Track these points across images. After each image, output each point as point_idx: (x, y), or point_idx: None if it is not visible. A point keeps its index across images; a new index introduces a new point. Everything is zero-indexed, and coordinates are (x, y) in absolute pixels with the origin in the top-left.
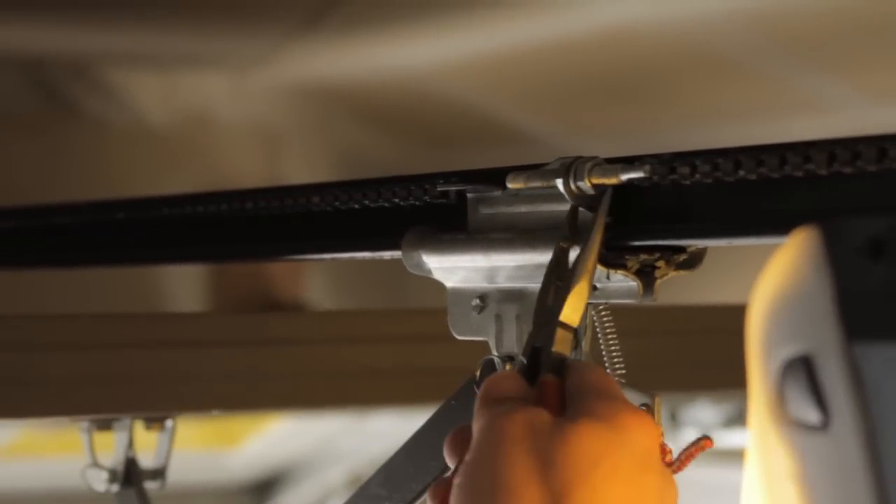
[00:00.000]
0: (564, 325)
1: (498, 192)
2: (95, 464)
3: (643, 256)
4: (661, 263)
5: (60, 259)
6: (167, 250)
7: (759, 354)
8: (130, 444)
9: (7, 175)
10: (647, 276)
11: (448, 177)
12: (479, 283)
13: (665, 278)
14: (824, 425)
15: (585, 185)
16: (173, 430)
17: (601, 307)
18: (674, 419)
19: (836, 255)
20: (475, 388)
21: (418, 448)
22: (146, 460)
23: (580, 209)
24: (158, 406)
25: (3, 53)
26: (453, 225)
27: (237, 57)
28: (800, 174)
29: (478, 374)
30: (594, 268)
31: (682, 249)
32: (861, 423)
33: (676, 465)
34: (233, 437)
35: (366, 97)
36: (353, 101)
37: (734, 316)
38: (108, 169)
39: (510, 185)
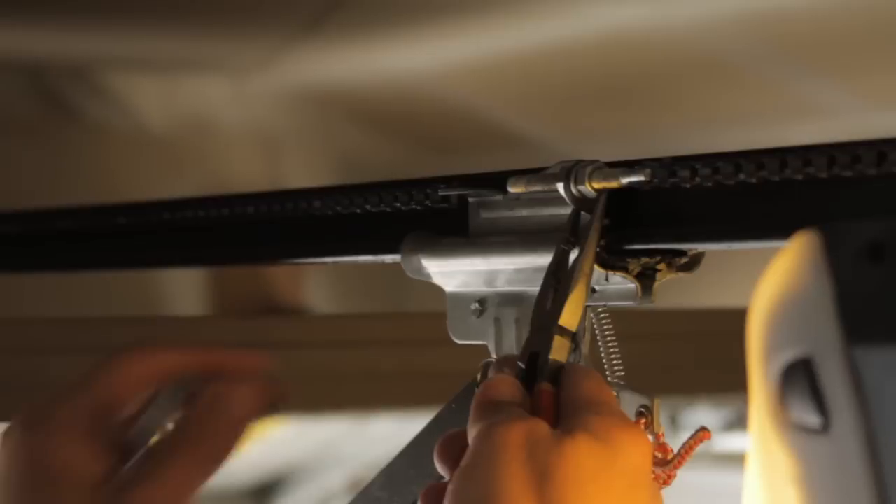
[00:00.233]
0: (562, 329)
1: (499, 197)
2: None
3: (644, 259)
4: (661, 266)
5: (62, 263)
6: (168, 254)
7: (760, 358)
8: None
9: (8, 179)
10: (646, 278)
11: (449, 181)
12: (479, 287)
13: (664, 280)
14: (825, 428)
15: (586, 188)
16: None
17: (600, 310)
18: (673, 423)
19: (837, 258)
20: (475, 390)
21: (419, 451)
22: None
23: (581, 212)
24: None
25: (4, 58)
26: (455, 229)
27: (238, 61)
28: (800, 177)
29: (478, 377)
30: (591, 270)
31: (682, 252)
32: (861, 425)
33: (677, 459)
34: None
35: (366, 101)
36: (354, 105)
37: (734, 319)
38: (108, 173)
39: (511, 189)
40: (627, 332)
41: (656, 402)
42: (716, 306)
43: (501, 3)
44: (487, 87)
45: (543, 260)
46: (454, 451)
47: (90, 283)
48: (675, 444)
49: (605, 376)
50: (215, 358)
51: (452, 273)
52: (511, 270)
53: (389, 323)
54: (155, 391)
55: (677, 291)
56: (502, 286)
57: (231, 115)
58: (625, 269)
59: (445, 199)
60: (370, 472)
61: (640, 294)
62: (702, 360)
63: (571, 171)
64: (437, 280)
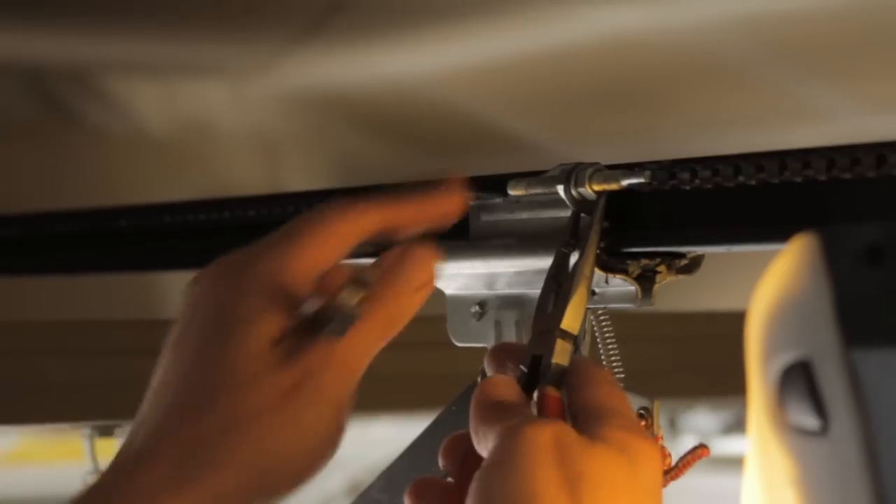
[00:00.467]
0: (564, 333)
1: (499, 199)
2: (97, 470)
3: (644, 261)
4: (661, 268)
5: (63, 266)
6: (169, 257)
7: (759, 360)
8: None
9: (8, 182)
10: (646, 280)
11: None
12: (479, 290)
13: (663, 283)
14: (823, 430)
15: (586, 190)
16: None
17: (600, 312)
18: (673, 426)
19: (835, 261)
20: None
21: (419, 453)
22: None
23: (581, 215)
24: None
25: (3, 61)
26: (455, 232)
27: (238, 65)
28: (799, 180)
29: (478, 379)
30: (592, 273)
31: (682, 255)
32: (859, 427)
33: (673, 472)
34: None
35: (366, 105)
36: (354, 108)
37: (733, 322)
38: (108, 177)
39: (511, 192)
40: (627, 334)
41: (656, 404)
42: (715, 309)
43: (501, 6)
44: (487, 91)
45: (544, 263)
46: (458, 451)
47: (91, 287)
48: (673, 446)
49: None
50: (410, 209)
51: (453, 276)
52: (511, 273)
53: None
54: (349, 251)
55: (677, 294)
56: (503, 289)
57: (231, 119)
58: (625, 272)
59: None
60: (370, 475)
61: (639, 296)
62: (700, 362)
63: (571, 173)
64: (437, 283)
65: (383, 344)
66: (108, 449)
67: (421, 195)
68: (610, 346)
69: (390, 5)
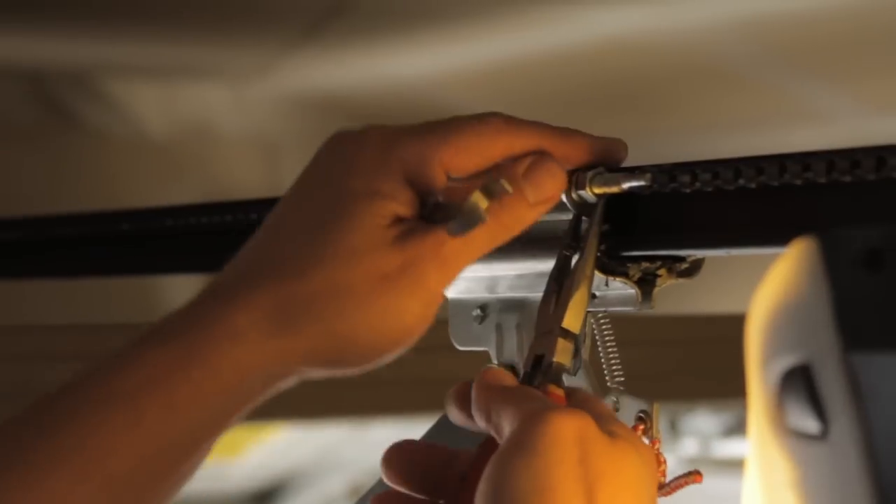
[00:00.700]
0: (565, 332)
1: None
2: None
3: (644, 264)
4: (662, 272)
5: (64, 269)
6: (170, 260)
7: (758, 364)
8: None
9: (8, 185)
10: (646, 283)
11: None
12: (481, 294)
13: (664, 286)
14: (823, 434)
15: (587, 193)
16: None
17: (600, 315)
18: (673, 428)
19: (835, 265)
20: None
21: None
22: None
23: (582, 218)
24: None
25: (4, 64)
26: None
27: (237, 68)
28: (799, 183)
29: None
30: (592, 274)
31: (682, 258)
32: (859, 431)
33: (664, 490)
34: (234, 446)
35: (366, 107)
36: (353, 111)
37: (733, 325)
38: (108, 179)
39: None
40: (627, 337)
41: (656, 407)
42: (715, 312)
43: (501, 9)
44: (487, 93)
45: (545, 265)
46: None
47: (92, 290)
48: (673, 449)
49: (606, 381)
50: (569, 144)
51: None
52: (512, 276)
53: None
54: (495, 162)
55: (677, 298)
56: (504, 292)
57: (231, 121)
58: (625, 275)
59: None
60: (370, 479)
61: (639, 299)
62: (701, 365)
63: (572, 176)
64: None
65: (489, 250)
66: None
67: (584, 136)
68: (610, 350)
69: (390, 8)
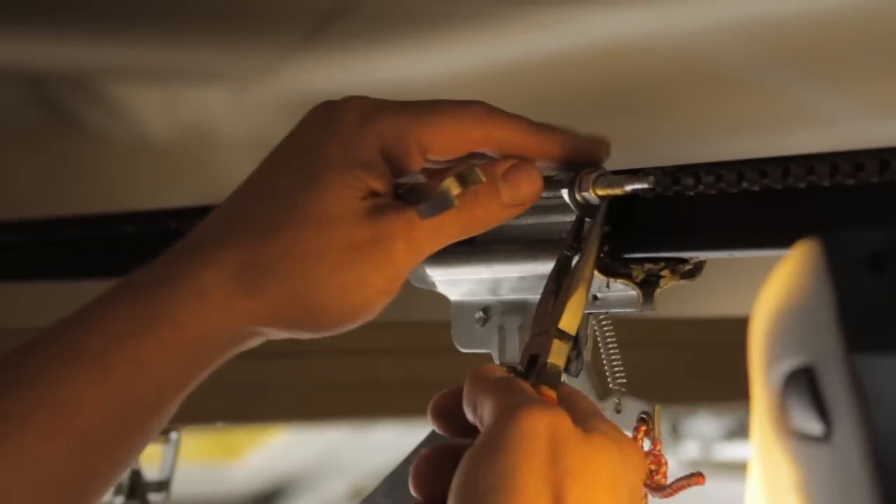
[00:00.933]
0: (562, 333)
1: None
2: None
3: (648, 266)
4: (665, 273)
5: (66, 272)
6: None
7: (762, 366)
8: None
9: (9, 188)
10: (648, 285)
11: None
12: (483, 296)
13: (665, 288)
14: (826, 436)
15: (590, 195)
16: (178, 442)
17: (602, 317)
18: (675, 431)
19: (838, 267)
20: None
21: None
22: (151, 472)
23: (585, 219)
24: None
25: (5, 67)
26: None
27: (238, 71)
28: (802, 185)
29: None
30: (591, 275)
31: (686, 259)
32: (863, 433)
33: (668, 491)
34: (235, 449)
35: None
36: None
37: (736, 328)
38: (109, 182)
39: None
40: (629, 339)
41: (657, 408)
42: (717, 315)
43: (502, 12)
44: (488, 96)
45: (547, 268)
46: (449, 408)
47: (93, 293)
48: (674, 452)
49: (608, 383)
50: (549, 141)
51: (457, 282)
52: (515, 278)
53: (391, 331)
54: (473, 150)
55: (679, 300)
56: (506, 294)
57: (232, 124)
58: (628, 276)
59: None
60: (371, 481)
61: (641, 301)
62: (703, 368)
63: (576, 178)
64: (441, 289)
65: (454, 241)
66: None
67: (564, 132)
68: (612, 351)
69: (391, 11)
